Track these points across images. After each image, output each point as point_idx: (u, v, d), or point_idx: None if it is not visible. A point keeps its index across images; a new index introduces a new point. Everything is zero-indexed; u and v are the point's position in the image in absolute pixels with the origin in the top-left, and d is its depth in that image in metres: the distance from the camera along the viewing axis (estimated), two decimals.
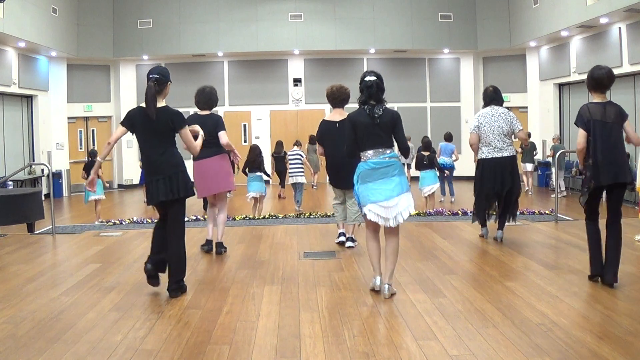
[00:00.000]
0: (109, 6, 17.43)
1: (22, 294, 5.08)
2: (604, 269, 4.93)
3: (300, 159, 12.56)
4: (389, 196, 4.72)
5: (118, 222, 10.23)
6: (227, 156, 6.55)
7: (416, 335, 3.93)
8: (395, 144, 4.95)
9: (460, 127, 17.94)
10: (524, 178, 14.42)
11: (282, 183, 14.44)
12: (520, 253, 6.36)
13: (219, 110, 15.98)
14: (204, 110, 6.52)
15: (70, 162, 17.17)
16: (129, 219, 10.53)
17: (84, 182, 11.06)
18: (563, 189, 14.14)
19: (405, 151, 4.97)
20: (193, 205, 10.37)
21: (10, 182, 12.78)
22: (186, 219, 7.88)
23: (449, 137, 13.63)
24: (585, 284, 5.03)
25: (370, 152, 4.82)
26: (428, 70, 18.76)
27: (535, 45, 16.73)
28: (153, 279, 5.01)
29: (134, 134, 4.98)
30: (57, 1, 15.58)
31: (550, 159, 15.29)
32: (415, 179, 12.62)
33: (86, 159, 13.41)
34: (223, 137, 6.35)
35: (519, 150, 12.72)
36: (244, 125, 18.60)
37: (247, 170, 10.97)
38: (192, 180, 5.43)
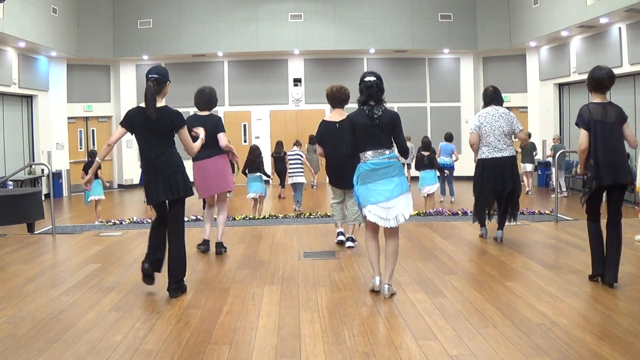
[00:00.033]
0: (109, 6, 17.43)
1: (22, 294, 5.08)
2: (604, 269, 4.94)
3: (300, 159, 12.57)
4: (389, 197, 4.72)
5: (118, 222, 10.22)
6: (226, 156, 6.54)
7: (416, 335, 3.93)
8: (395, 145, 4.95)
9: (460, 127, 17.94)
10: (524, 178, 14.42)
11: (282, 183, 14.43)
12: (520, 253, 6.36)
13: (219, 110, 16.01)
14: (203, 111, 6.51)
15: (70, 162, 17.17)
16: (129, 219, 10.52)
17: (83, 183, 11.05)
18: (564, 189, 14.14)
19: (404, 152, 4.97)
20: (193, 205, 10.37)
21: (10, 182, 12.78)
22: (186, 219, 7.90)
23: (449, 137, 13.65)
24: (585, 284, 5.03)
25: (369, 152, 4.81)
26: (428, 70, 18.76)
27: (535, 45, 16.73)
28: (148, 278, 5.01)
29: (133, 134, 4.99)
30: (57, 1, 15.58)
31: (550, 159, 15.29)
32: (415, 179, 12.63)
33: (86, 159, 13.42)
34: (222, 139, 6.36)
35: (519, 150, 12.75)
36: (244, 125, 18.60)
37: (247, 170, 10.98)
38: (192, 180, 5.43)
